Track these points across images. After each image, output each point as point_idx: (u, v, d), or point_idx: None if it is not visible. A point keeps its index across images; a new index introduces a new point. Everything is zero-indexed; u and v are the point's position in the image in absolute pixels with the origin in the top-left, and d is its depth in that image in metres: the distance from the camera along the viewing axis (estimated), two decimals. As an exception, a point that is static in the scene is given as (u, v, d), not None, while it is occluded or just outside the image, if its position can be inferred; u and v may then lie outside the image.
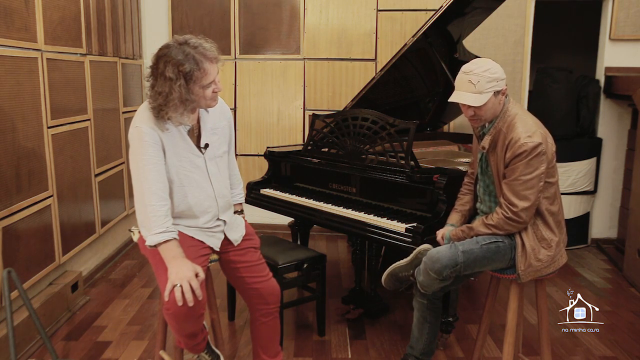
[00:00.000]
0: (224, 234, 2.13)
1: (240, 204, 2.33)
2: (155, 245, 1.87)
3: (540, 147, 1.96)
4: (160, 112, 1.86)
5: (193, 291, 1.77)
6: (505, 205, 2.01)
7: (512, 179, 1.99)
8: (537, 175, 1.97)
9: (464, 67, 2.05)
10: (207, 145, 2.05)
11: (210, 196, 2.05)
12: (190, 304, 1.76)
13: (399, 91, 3.46)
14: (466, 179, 2.37)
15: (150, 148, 1.88)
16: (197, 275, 1.80)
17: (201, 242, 2.05)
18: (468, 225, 2.15)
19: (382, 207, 2.69)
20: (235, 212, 2.25)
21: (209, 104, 1.97)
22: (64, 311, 3.02)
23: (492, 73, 2.00)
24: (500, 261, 2.08)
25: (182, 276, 1.76)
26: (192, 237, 2.03)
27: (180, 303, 1.75)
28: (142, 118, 1.91)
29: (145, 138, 1.88)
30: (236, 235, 2.16)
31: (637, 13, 4.09)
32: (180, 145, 1.97)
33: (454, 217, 2.29)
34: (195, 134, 2.05)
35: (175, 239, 1.88)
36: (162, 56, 1.85)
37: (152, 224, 1.86)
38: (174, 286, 1.76)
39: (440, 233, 2.26)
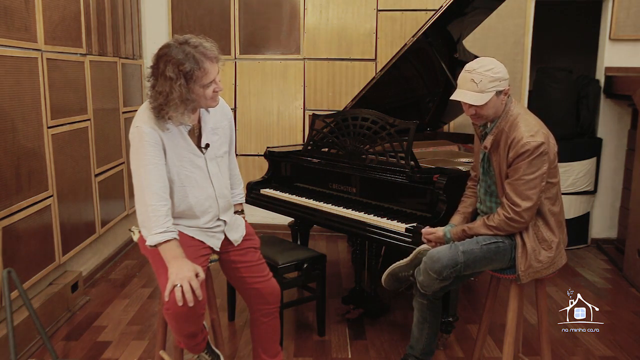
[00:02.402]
0: (224, 234, 2.13)
1: (241, 204, 2.33)
2: (155, 245, 1.86)
3: (543, 147, 1.96)
4: (160, 112, 1.86)
5: (193, 291, 1.77)
6: (507, 206, 2.01)
7: (515, 178, 1.99)
8: (540, 175, 1.97)
9: (467, 66, 2.04)
10: (207, 146, 2.05)
11: (210, 196, 2.05)
12: (191, 304, 1.76)
13: (398, 91, 3.46)
14: (469, 183, 2.36)
15: (151, 148, 1.88)
16: (197, 276, 1.80)
17: (201, 242, 2.05)
18: (469, 225, 2.15)
19: (382, 207, 2.69)
20: (235, 212, 2.25)
21: (210, 104, 1.96)
22: (64, 311, 3.02)
23: (495, 73, 1.99)
24: (500, 261, 2.08)
25: (182, 276, 1.76)
26: (192, 237, 2.03)
27: (180, 303, 1.75)
28: (143, 118, 1.91)
29: (146, 138, 1.88)
30: (236, 235, 2.16)
31: (637, 13, 4.09)
32: (181, 145, 1.97)
33: (456, 219, 2.28)
34: (196, 134, 2.04)
35: (175, 239, 1.88)
36: (163, 56, 1.85)
37: (152, 224, 1.86)
38: (174, 286, 1.75)
39: (432, 231, 2.24)
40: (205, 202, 2.03)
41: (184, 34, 1.93)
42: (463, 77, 2.04)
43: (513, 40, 4.21)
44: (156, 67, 1.86)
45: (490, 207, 2.18)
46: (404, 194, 2.61)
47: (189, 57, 1.82)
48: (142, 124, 1.89)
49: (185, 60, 1.82)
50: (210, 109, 2.06)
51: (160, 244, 1.86)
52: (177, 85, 1.81)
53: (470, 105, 2.03)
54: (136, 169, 1.90)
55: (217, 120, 2.10)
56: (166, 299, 1.77)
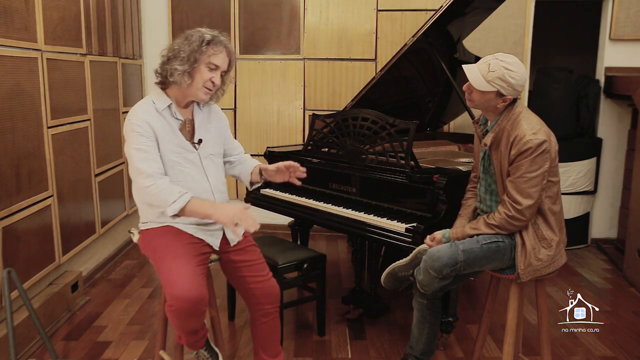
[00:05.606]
0: (223, 233, 2.13)
1: (258, 165, 2.34)
2: (181, 211, 1.89)
3: (545, 145, 1.96)
4: (166, 65, 1.96)
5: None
6: (508, 203, 2.01)
7: (517, 176, 1.99)
8: (542, 173, 1.97)
9: (500, 54, 2.04)
10: (200, 141, 2.07)
11: (206, 190, 2.07)
12: (253, 229, 1.84)
13: (399, 91, 3.46)
14: (469, 185, 2.35)
15: (143, 138, 1.93)
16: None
17: (201, 240, 2.05)
18: (469, 224, 2.15)
19: (382, 207, 2.69)
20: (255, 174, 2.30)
21: (198, 94, 2.00)
22: (64, 311, 3.02)
23: (510, 76, 1.98)
24: (500, 261, 2.07)
25: (232, 215, 1.84)
26: (192, 235, 2.03)
27: (253, 229, 1.84)
28: (135, 111, 1.97)
29: (137, 129, 1.93)
30: (233, 235, 2.16)
31: (637, 13, 4.09)
32: (172, 140, 2.00)
33: (460, 223, 2.24)
34: (188, 130, 2.07)
35: (193, 197, 1.92)
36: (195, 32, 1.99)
37: (162, 197, 1.88)
38: (235, 225, 1.84)
39: (432, 236, 2.23)
40: (202, 195, 2.04)
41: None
42: (486, 57, 2.05)
43: (513, 40, 4.21)
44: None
45: (490, 206, 2.17)
46: (404, 194, 2.61)
47: (213, 33, 1.97)
48: (134, 117, 1.95)
49: (210, 33, 1.96)
50: (204, 109, 2.12)
51: (184, 207, 1.88)
52: (189, 43, 1.94)
53: (469, 83, 2.05)
54: (130, 158, 1.94)
55: (211, 119, 2.15)
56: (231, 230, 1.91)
